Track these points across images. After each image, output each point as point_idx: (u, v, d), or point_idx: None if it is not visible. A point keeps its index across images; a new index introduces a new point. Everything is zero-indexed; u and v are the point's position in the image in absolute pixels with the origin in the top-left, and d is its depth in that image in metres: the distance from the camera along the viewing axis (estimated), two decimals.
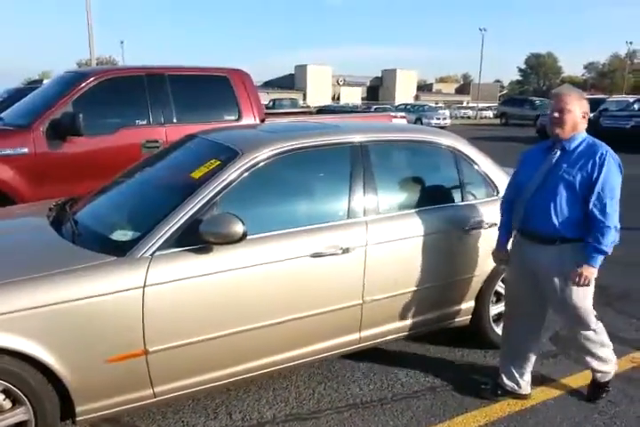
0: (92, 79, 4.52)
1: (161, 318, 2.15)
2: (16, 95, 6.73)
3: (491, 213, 3.01)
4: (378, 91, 68.55)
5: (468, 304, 3.06)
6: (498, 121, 31.37)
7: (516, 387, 2.70)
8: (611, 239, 2.30)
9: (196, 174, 2.47)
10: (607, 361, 2.65)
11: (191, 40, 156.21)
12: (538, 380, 2.87)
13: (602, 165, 2.30)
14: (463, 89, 79.59)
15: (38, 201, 3.40)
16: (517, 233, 2.63)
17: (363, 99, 63.78)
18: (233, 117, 5.08)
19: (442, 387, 2.84)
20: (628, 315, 3.80)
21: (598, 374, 2.70)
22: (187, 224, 2.24)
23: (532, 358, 2.71)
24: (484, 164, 3.17)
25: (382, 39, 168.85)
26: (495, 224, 2.97)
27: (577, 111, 2.37)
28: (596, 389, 2.72)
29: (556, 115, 2.37)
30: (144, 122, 4.69)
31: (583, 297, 2.43)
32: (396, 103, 40.72)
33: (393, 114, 6.66)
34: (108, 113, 4.62)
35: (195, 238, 2.21)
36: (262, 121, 5.18)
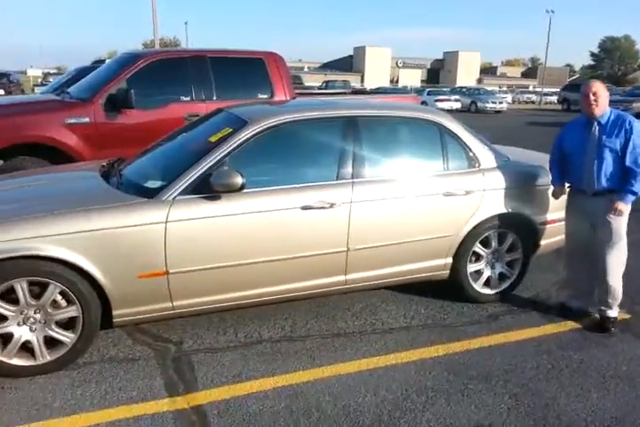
0: (143, 60, 5.20)
1: (178, 247, 2.77)
2: (82, 73, 7.58)
3: (469, 182, 3.45)
4: (439, 73, 67.21)
5: (446, 260, 3.52)
6: (560, 107, 30.39)
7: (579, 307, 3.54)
8: None
9: (213, 139, 3.07)
10: (617, 299, 3.34)
11: (252, 20, 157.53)
12: (510, 326, 3.36)
13: (630, 130, 3.11)
14: (530, 73, 76.56)
15: (94, 160, 4.13)
16: (572, 189, 3.44)
17: (422, 81, 62.79)
18: (266, 96, 5.65)
19: (416, 327, 3.34)
20: None
21: (612, 312, 3.35)
22: (201, 177, 2.84)
23: (592, 283, 3.43)
24: (469, 139, 3.58)
25: (446, 20, 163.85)
26: (472, 192, 3.43)
27: (605, 95, 3.17)
28: (609, 321, 3.36)
29: (592, 98, 3.14)
30: (187, 98, 5.35)
31: (621, 227, 3.24)
32: (457, 86, 40.01)
33: (416, 96, 7.03)
34: (156, 90, 5.29)
35: (207, 188, 2.81)
36: (293, 99, 5.72)
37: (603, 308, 3.37)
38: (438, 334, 3.25)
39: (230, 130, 3.09)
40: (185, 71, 5.37)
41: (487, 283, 3.70)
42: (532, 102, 43.07)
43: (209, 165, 2.88)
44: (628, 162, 3.12)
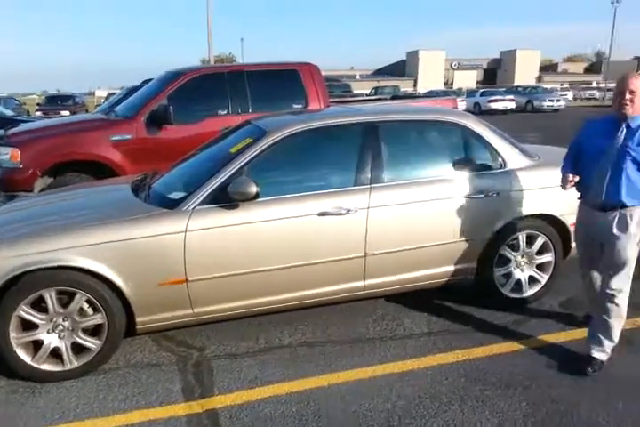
0: (183, 77, 5.47)
1: (197, 255, 2.88)
2: (132, 92, 8.01)
3: (495, 183, 3.38)
4: (495, 73, 65.50)
5: (471, 264, 3.45)
6: None
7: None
8: None
9: (234, 149, 3.19)
10: (614, 339, 2.85)
11: (305, 32, 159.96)
12: (537, 331, 3.24)
13: None
14: (594, 68, 73.02)
15: (131, 174, 4.36)
16: (582, 200, 2.96)
17: (478, 82, 61.40)
18: (300, 105, 5.76)
19: (437, 333, 3.29)
20: None
21: (602, 354, 2.84)
22: (220, 187, 2.95)
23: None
24: (495, 141, 3.51)
25: (503, 19, 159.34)
26: (498, 193, 3.35)
27: None
28: (592, 362, 2.82)
29: (628, 96, 2.64)
30: (225, 112, 5.56)
31: (632, 256, 2.76)
32: (513, 85, 38.84)
33: (459, 98, 6.92)
34: (196, 105, 5.53)
35: (226, 197, 2.91)
36: (326, 107, 5.80)
37: (594, 346, 2.85)
38: (460, 340, 3.18)
39: (250, 140, 3.20)
40: (222, 86, 5.59)
41: (516, 287, 3.59)
42: (595, 99, 40.97)
43: (228, 175, 2.99)
44: None
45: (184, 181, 3.34)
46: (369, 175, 3.20)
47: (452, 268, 3.41)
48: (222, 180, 2.98)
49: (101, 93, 46.01)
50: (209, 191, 2.96)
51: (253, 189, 2.85)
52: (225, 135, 3.89)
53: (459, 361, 2.94)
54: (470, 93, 27.65)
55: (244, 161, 3.04)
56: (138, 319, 2.90)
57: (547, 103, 25.08)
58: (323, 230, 3.08)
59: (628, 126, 2.70)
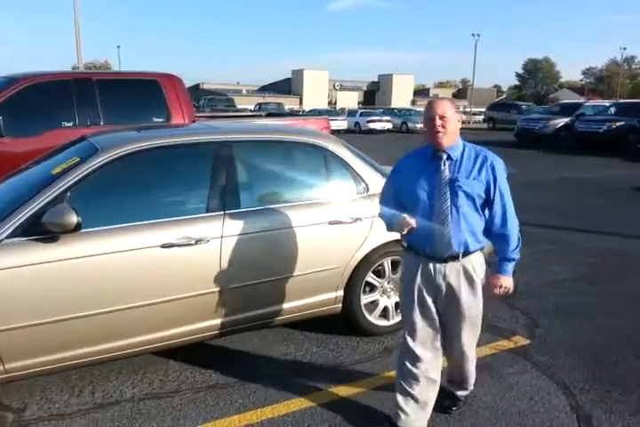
0: (18, 84, 4.76)
1: (4, 300, 2.34)
2: None
3: (357, 208, 3.22)
4: (374, 95, 68.89)
5: (337, 294, 3.25)
6: (486, 125, 31.56)
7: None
8: (515, 245, 2.30)
9: (55, 171, 2.68)
10: (472, 381, 2.65)
11: (191, 45, 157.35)
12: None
13: (493, 171, 2.24)
14: (460, 94, 79.95)
15: None
16: (410, 250, 2.40)
17: (359, 103, 64.09)
18: (162, 119, 5.30)
19: (304, 369, 3.03)
20: (514, 307, 3.99)
21: (463, 391, 2.67)
22: (34, 216, 2.44)
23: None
24: (357, 164, 3.36)
25: (381, 44, 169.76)
26: (360, 219, 3.19)
27: (455, 117, 2.23)
28: (455, 400, 2.67)
29: (439, 123, 2.19)
30: (70, 124, 4.93)
31: (480, 301, 2.39)
32: (389, 107, 40.98)
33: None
34: (34, 116, 4.85)
35: (41, 229, 2.41)
36: (193, 122, 5.41)
37: (454, 388, 2.67)
38: (327, 377, 2.94)
39: (77, 159, 2.72)
40: (67, 95, 4.97)
41: (383, 314, 3.46)
42: (463, 122, 44.66)
43: (45, 202, 2.48)
44: (496, 218, 2.26)
45: None
46: (222, 201, 2.88)
47: (318, 298, 3.18)
48: (37, 208, 2.46)
49: None
50: (20, 222, 2.42)
51: (73, 218, 2.37)
52: (54, 153, 3.34)
53: (324, 403, 2.68)
54: (351, 113, 28.60)
55: (67, 185, 2.55)
56: None
57: (419, 125, 26.58)
58: (168, 264, 2.69)
59: (449, 158, 2.25)
